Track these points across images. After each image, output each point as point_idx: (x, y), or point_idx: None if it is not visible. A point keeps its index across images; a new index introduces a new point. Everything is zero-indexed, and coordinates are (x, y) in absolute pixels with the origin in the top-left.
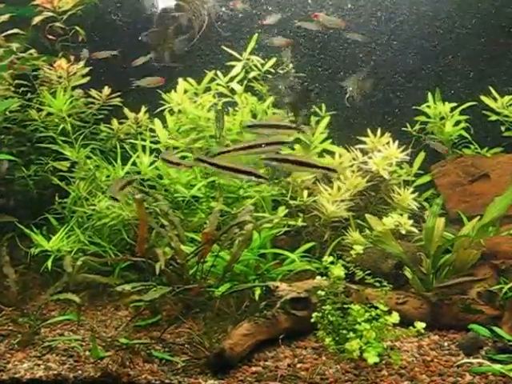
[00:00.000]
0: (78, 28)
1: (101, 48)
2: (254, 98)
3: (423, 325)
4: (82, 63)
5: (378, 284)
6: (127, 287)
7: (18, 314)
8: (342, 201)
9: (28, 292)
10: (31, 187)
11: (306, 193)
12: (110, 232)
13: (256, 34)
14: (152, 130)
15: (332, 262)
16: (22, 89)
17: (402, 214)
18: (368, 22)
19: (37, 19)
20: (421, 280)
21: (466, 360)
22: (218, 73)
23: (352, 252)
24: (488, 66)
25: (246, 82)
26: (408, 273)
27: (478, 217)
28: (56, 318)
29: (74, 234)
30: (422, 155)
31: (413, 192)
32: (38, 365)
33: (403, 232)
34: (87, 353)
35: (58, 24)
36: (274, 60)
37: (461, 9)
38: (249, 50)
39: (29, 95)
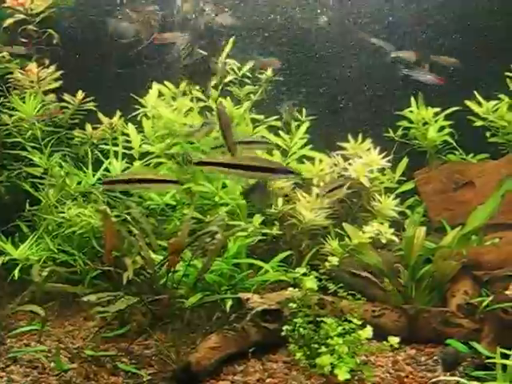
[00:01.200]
0: (51, 31)
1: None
2: (230, 103)
3: (397, 340)
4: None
5: (350, 297)
6: (92, 298)
7: None
8: (321, 208)
9: None
10: (3, 193)
11: (280, 200)
12: (81, 240)
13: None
14: (127, 135)
15: (305, 274)
16: None
17: (382, 223)
18: (351, 26)
19: (8, 21)
20: (399, 292)
21: (442, 377)
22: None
23: (326, 264)
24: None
25: (221, 86)
26: (387, 284)
27: (460, 226)
28: (22, 328)
29: (44, 242)
30: (404, 161)
31: (396, 199)
32: (1, 377)
33: (384, 241)
34: (52, 364)
35: (30, 27)
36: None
37: (447, 13)
38: (225, 53)
39: (1, 99)
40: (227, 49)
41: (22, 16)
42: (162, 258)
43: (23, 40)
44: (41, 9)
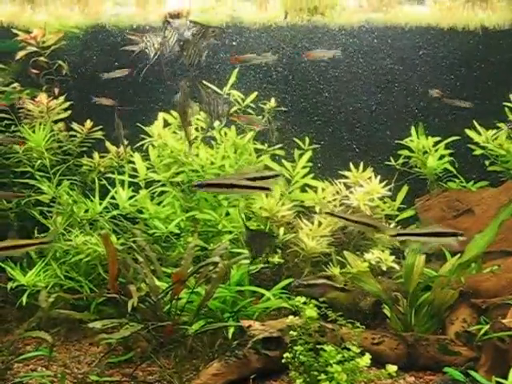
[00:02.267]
0: (61, 62)
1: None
2: (233, 133)
3: (394, 368)
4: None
5: (350, 325)
6: (97, 325)
7: None
8: (323, 236)
9: (5, 326)
10: (12, 220)
11: (282, 230)
12: (87, 267)
13: (237, 69)
14: (134, 163)
15: (305, 303)
16: (6, 122)
17: (383, 250)
18: (354, 59)
19: (20, 54)
20: (399, 319)
21: None
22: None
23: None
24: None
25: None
26: (387, 311)
27: (460, 254)
28: (29, 354)
29: (51, 269)
30: (405, 189)
31: (395, 227)
32: None
33: (384, 268)
34: None
35: (41, 58)
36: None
37: (444, 46)
38: (229, 84)
39: (12, 128)
40: (231, 80)
41: (34, 48)
42: (166, 284)
43: (34, 71)
44: (52, 42)
